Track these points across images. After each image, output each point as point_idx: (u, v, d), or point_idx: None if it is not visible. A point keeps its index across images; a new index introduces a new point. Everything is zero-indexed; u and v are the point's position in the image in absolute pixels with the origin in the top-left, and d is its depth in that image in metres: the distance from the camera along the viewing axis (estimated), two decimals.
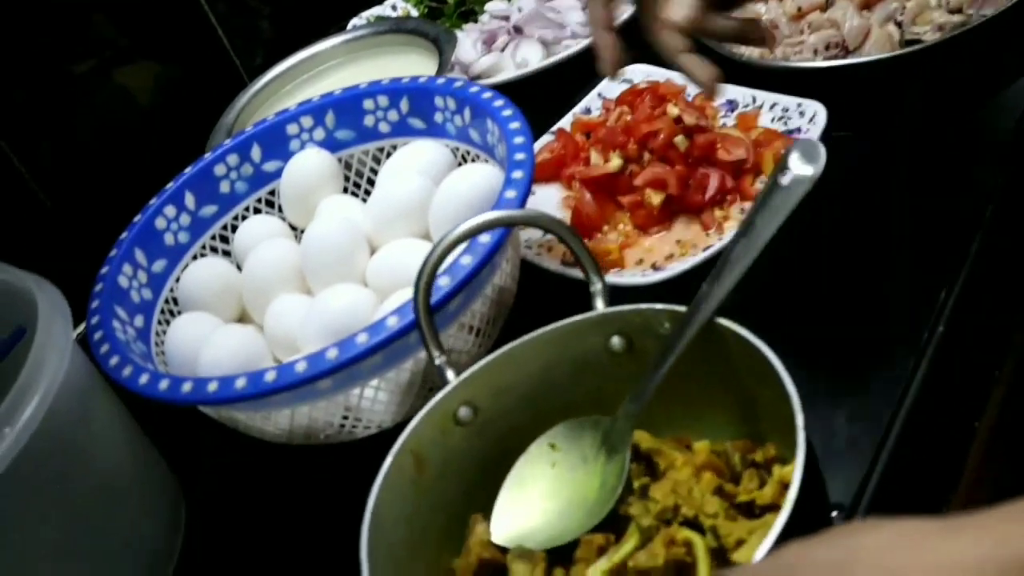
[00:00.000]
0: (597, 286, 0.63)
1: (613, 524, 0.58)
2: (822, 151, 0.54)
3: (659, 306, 0.60)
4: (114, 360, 0.70)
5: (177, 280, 0.81)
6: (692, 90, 0.90)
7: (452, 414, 0.60)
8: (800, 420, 0.50)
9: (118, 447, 0.70)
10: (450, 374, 0.61)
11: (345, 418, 0.70)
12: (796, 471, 0.49)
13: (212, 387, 0.65)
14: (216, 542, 0.75)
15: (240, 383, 0.64)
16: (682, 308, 0.58)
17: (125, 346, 0.72)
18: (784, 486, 0.54)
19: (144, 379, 0.68)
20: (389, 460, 0.57)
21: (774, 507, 0.54)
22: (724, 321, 0.56)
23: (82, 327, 0.75)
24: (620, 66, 0.71)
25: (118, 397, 0.73)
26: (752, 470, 0.57)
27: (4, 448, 0.58)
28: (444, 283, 0.64)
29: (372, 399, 0.69)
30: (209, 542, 0.75)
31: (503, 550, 0.58)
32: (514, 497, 0.60)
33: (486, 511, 0.60)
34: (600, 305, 0.62)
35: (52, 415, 0.61)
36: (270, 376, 0.64)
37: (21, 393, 0.61)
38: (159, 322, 0.79)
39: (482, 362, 0.61)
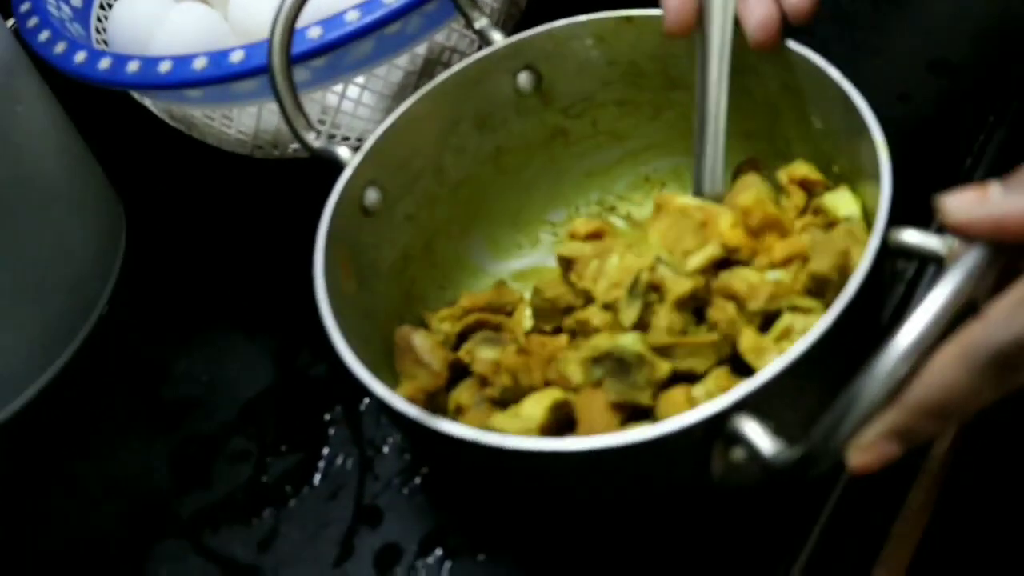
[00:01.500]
0: (482, 21, 0.52)
1: None
2: None
3: (582, 17, 0.51)
4: (44, 35, 0.58)
5: None
6: None
7: (359, 200, 0.49)
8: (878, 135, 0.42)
9: (46, 141, 0.59)
10: (343, 151, 0.49)
11: (321, 122, 0.59)
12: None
13: (165, 67, 0.54)
14: (158, 263, 0.66)
15: (199, 63, 0.53)
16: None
17: (59, 24, 0.60)
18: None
19: (80, 57, 0.56)
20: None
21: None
22: None
23: None
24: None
25: (51, 91, 0.61)
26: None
27: None
28: None
29: (356, 101, 0.58)
30: (151, 262, 0.66)
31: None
32: None
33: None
34: (497, 36, 0.52)
35: None
36: (236, 56, 0.53)
37: None
38: (101, 6, 0.66)
39: (378, 131, 0.50)
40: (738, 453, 0.37)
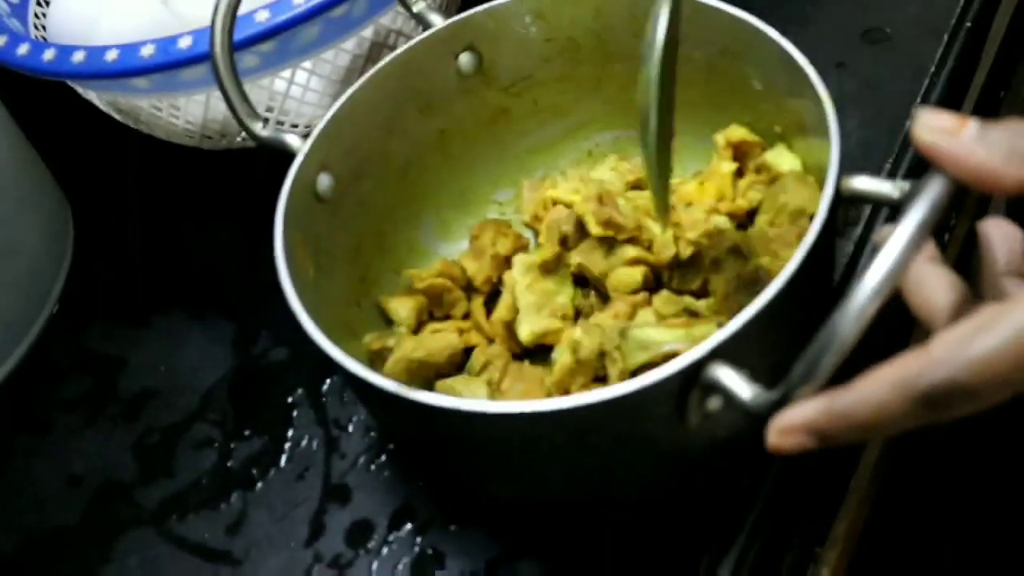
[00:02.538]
0: (420, 4, 0.53)
1: None
2: None
3: None
4: None
5: None
6: None
7: (312, 187, 0.49)
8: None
9: None
10: (292, 138, 0.50)
11: (270, 110, 0.59)
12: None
13: (111, 56, 0.53)
14: (109, 258, 0.66)
15: (147, 50, 0.53)
16: None
17: None
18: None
19: (23, 49, 0.56)
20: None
21: None
22: None
23: None
24: None
25: None
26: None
27: None
28: None
29: (304, 86, 0.58)
30: (101, 258, 0.65)
31: None
32: None
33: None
34: (436, 19, 0.53)
35: None
36: (184, 42, 0.53)
37: None
38: (38, 3, 0.65)
39: (327, 116, 0.50)
40: (714, 402, 0.38)
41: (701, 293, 0.49)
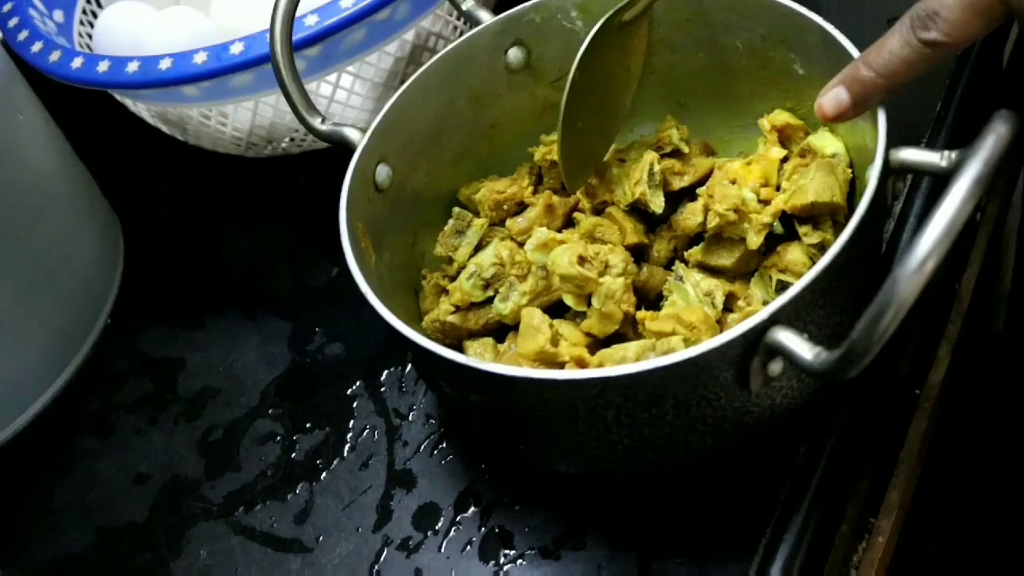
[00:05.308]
0: (469, 2, 0.55)
1: None
2: None
3: None
4: (36, 46, 0.59)
5: None
6: None
7: (371, 178, 0.51)
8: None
9: (44, 149, 0.60)
10: (351, 132, 0.51)
11: None
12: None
13: (165, 64, 0.55)
14: (159, 266, 0.68)
15: (200, 58, 0.55)
16: None
17: (49, 36, 0.61)
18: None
19: (77, 63, 0.57)
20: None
21: None
22: None
23: None
24: None
25: (42, 104, 0.62)
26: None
27: None
28: None
29: (349, 90, 0.60)
30: (152, 267, 0.68)
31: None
32: None
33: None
34: (485, 16, 0.55)
35: None
36: (236, 48, 0.55)
37: None
38: (81, 22, 0.67)
39: (383, 111, 0.52)
40: (775, 366, 0.39)
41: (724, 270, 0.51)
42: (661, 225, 0.53)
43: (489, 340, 0.50)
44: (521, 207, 0.55)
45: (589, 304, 0.48)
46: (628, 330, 0.48)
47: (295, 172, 0.67)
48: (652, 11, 0.52)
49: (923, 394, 0.56)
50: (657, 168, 0.51)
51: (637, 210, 0.52)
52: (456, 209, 0.54)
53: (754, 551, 0.45)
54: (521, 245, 0.51)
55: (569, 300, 0.48)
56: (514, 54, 0.55)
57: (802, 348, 0.37)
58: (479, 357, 0.49)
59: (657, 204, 0.51)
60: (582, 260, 0.47)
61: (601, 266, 0.48)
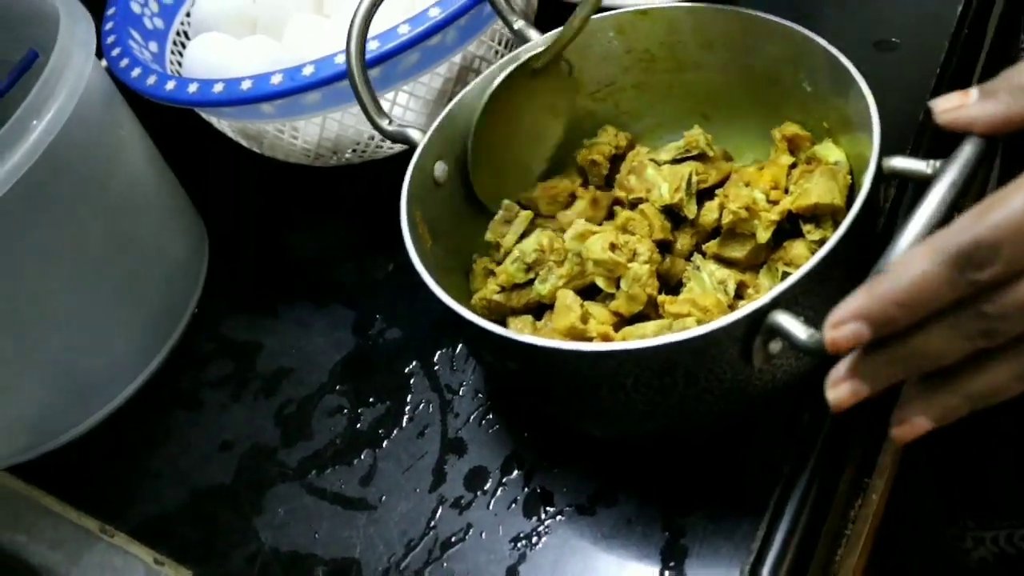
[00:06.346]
0: (519, 23, 0.61)
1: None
2: None
3: (606, 12, 0.59)
4: (136, 71, 0.67)
5: (187, 15, 0.78)
6: None
7: (430, 172, 0.58)
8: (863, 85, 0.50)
9: (142, 158, 0.68)
10: (413, 132, 0.58)
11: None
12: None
13: (246, 85, 0.63)
14: (238, 263, 0.75)
15: (276, 79, 0.62)
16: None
17: (146, 63, 0.69)
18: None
19: (171, 85, 0.65)
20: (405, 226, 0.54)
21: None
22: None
23: None
24: None
25: (138, 120, 0.70)
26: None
27: (34, 137, 0.55)
28: None
29: (404, 107, 0.67)
30: (232, 263, 0.74)
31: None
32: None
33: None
34: (534, 35, 0.61)
35: (78, 118, 0.58)
36: (308, 70, 0.62)
37: (50, 86, 0.57)
38: (172, 52, 0.76)
39: (442, 114, 0.58)
40: (775, 345, 0.44)
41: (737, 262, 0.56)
42: (685, 223, 0.59)
43: (528, 317, 0.57)
44: (572, 199, 0.62)
45: (618, 287, 0.54)
46: (651, 311, 0.54)
47: (356, 180, 0.74)
48: (565, 58, 0.60)
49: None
50: (695, 180, 0.58)
51: (668, 210, 0.58)
52: (505, 201, 0.60)
53: (765, 507, 0.50)
54: (563, 234, 0.58)
55: (600, 282, 0.55)
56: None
57: (798, 329, 0.41)
58: (519, 331, 0.55)
59: (691, 210, 0.58)
60: (613, 247, 0.54)
61: (630, 254, 0.54)
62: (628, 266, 0.54)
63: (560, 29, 0.59)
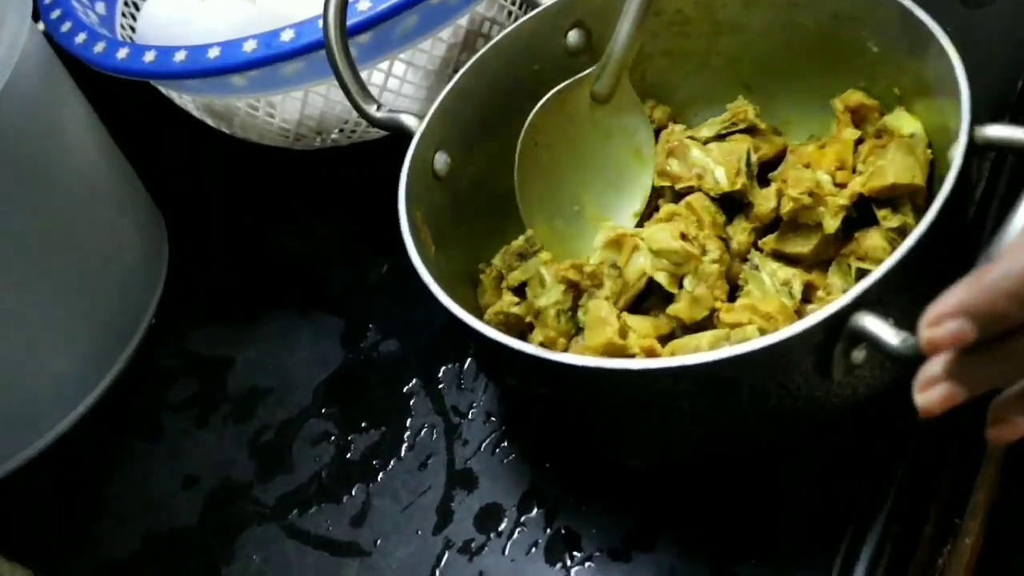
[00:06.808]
0: None
1: None
2: None
3: None
4: (80, 37, 0.59)
5: None
6: None
7: (429, 165, 0.51)
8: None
9: (89, 142, 0.61)
10: (408, 119, 0.51)
11: None
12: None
13: (213, 53, 0.54)
14: (204, 262, 0.68)
15: (249, 46, 0.54)
16: None
17: (92, 27, 0.60)
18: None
19: (123, 53, 0.57)
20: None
21: None
22: None
23: None
24: None
25: (83, 96, 0.62)
26: None
27: None
28: None
29: (401, 78, 0.59)
30: (197, 262, 0.68)
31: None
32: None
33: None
34: None
35: (10, 94, 0.51)
36: (287, 35, 0.54)
37: None
38: (123, 14, 0.67)
39: (440, 96, 0.51)
40: (859, 353, 0.39)
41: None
42: (738, 214, 0.51)
43: None
44: None
45: (679, 287, 0.47)
46: (706, 322, 0.47)
47: (344, 165, 0.67)
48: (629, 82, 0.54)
49: None
50: (754, 158, 0.51)
51: (720, 198, 0.51)
52: (529, 233, 0.53)
53: (834, 553, 0.44)
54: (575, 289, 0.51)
55: (661, 278, 0.48)
56: (574, 36, 0.55)
57: (888, 333, 0.36)
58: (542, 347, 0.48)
59: (757, 197, 0.51)
60: (683, 237, 0.47)
61: (700, 249, 0.47)
62: (702, 259, 0.46)
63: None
